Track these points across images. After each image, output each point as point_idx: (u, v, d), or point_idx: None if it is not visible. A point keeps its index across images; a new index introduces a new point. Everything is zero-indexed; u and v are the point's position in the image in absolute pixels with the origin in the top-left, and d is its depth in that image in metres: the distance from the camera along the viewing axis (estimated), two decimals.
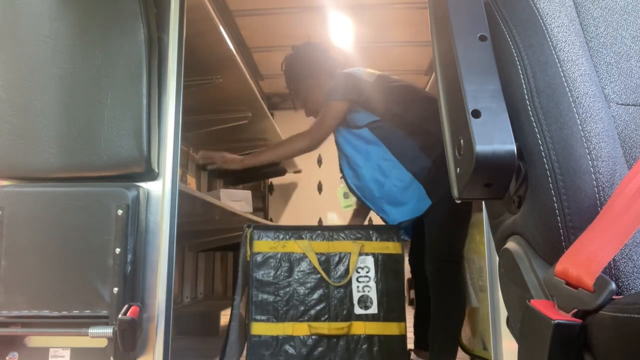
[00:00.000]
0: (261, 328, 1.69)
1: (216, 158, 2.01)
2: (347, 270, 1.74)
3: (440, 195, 1.73)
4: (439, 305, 1.74)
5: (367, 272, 1.75)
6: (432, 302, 1.75)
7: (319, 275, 1.72)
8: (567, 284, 0.50)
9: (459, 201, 1.87)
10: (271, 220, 4.65)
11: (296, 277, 1.73)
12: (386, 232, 1.79)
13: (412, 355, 1.90)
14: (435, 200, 1.74)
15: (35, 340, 1.29)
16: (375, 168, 1.82)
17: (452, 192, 0.66)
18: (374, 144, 1.83)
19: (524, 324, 0.55)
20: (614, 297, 0.45)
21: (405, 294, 1.90)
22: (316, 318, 1.70)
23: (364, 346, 1.69)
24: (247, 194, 3.28)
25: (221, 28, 2.05)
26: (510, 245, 0.65)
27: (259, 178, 4.39)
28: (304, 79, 2.01)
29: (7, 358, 1.27)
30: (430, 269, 1.75)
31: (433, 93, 1.95)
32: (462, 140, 0.60)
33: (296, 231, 1.78)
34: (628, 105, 0.62)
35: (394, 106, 1.85)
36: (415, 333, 1.92)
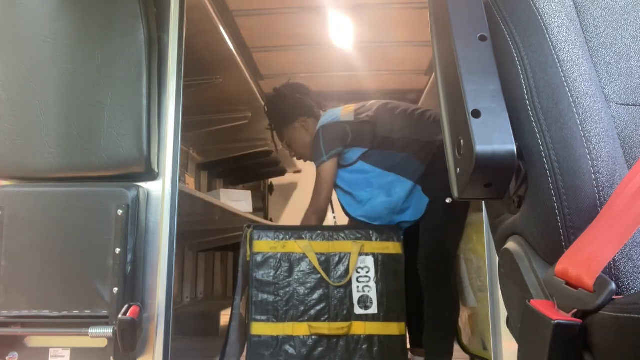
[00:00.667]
0: (261, 328, 1.69)
1: None
2: (347, 271, 1.74)
3: (434, 193, 1.76)
4: (432, 305, 1.75)
5: (367, 272, 1.75)
6: (425, 301, 1.76)
7: (319, 276, 1.72)
8: (567, 284, 0.50)
9: (449, 201, 1.89)
10: (271, 220, 4.65)
11: (296, 277, 1.73)
12: (386, 232, 1.79)
13: (409, 355, 1.90)
14: (432, 197, 1.77)
15: (35, 340, 1.29)
16: (380, 191, 1.84)
17: (452, 192, 0.66)
18: (371, 172, 1.86)
19: (524, 324, 0.55)
20: (614, 297, 0.45)
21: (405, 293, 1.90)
22: (316, 318, 1.70)
23: (364, 346, 1.69)
24: (247, 194, 3.28)
25: (221, 28, 2.05)
26: (510, 245, 0.65)
27: (259, 178, 4.39)
28: (289, 122, 2.02)
29: (7, 358, 1.27)
30: (423, 269, 1.76)
31: (405, 102, 1.99)
32: (462, 140, 0.60)
33: (296, 231, 1.78)
34: (628, 105, 0.62)
35: (379, 132, 1.87)
36: (410, 331, 1.93)
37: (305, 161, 2.10)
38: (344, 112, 1.95)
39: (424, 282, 1.75)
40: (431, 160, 1.80)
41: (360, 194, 1.88)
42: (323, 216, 1.93)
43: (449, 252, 1.80)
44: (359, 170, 1.88)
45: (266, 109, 2.11)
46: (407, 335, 1.80)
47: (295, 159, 2.14)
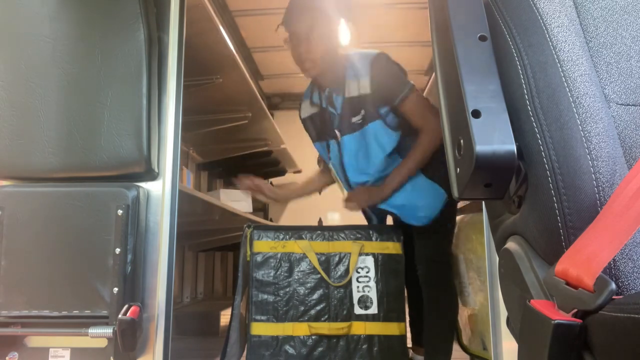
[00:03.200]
0: (261, 328, 1.69)
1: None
2: (347, 271, 1.74)
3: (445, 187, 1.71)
4: (431, 305, 1.75)
5: (367, 272, 1.75)
6: (424, 302, 1.75)
7: (319, 276, 1.72)
8: (567, 284, 0.50)
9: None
10: (271, 220, 4.65)
11: (296, 277, 1.73)
12: (386, 232, 1.79)
13: (410, 353, 1.90)
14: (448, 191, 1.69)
15: (35, 340, 1.29)
16: (384, 164, 1.73)
17: (452, 192, 0.66)
18: (394, 155, 1.73)
19: (524, 324, 0.55)
20: (614, 297, 0.45)
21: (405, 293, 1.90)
22: (316, 318, 1.70)
23: (364, 346, 1.69)
24: (247, 194, 3.28)
25: (221, 28, 2.05)
26: (510, 245, 0.65)
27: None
28: (329, 17, 1.74)
29: (7, 358, 1.27)
30: (422, 270, 1.75)
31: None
32: (462, 140, 0.60)
33: (296, 231, 1.78)
34: (628, 105, 0.62)
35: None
36: (412, 330, 1.92)
37: (306, 74, 1.79)
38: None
39: (423, 283, 1.75)
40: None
41: (377, 151, 1.71)
42: (437, 138, 1.65)
43: (448, 252, 1.80)
44: (391, 141, 1.71)
45: None
46: (409, 334, 1.81)
47: (299, 59, 1.75)
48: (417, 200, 1.71)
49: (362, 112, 1.72)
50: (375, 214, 1.86)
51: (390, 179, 1.72)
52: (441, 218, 1.71)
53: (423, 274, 1.75)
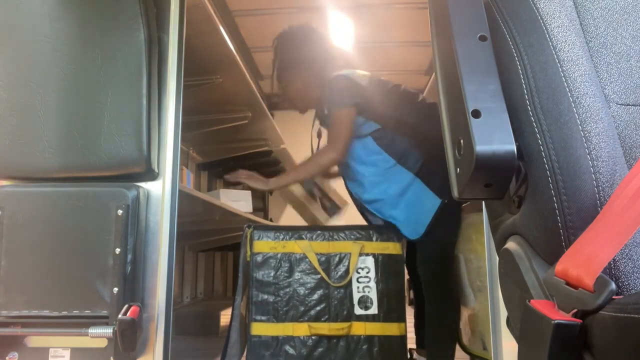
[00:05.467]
0: (261, 328, 1.69)
1: (242, 174, 1.95)
2: (347, 271, 1.74)
3: (443, 194, 1.72)
4: (433, 306, 1.75)
5: (368, 273, 1.74)
6: (426, 303, 1.75)
7: (319, 276, 1.72)
8: (567, 284, 0.50)
9: (446, 201, 1.81)
10: (271, 220, 4.65)
11: (296, 278, 1.73)
12: (386, 232, 1.79)
13: (415, 355, 1.90)
14: (443, 198, 1.71)
15: (35, 340, 1.29)
16: (380, 174, 1.78)
17: (452, 192, 0.66)
18: (377, 154, 1.78)
19: (524, 324, 0.55)
20: (614, 297, 0.45)
21: (405, 294, 1.90)
22: (316, 318, 1.70)
23: (364, 347, 1.69)
24: (247, 194, 3.28)
25: (221, 28, 2.05)
26: (510, 245, 0.65)
27: None
28: (295, 63, 1.91)
29: (7, 358, 1.27)
30: (423, 271, 1.75)
31: (427, 94, 1.93)
32: (462, 140, 0.60)
33: (296, 231, 1.77)
34: (628, 105, 0.62)
35: (393, 111, 1.80)
36: (417, 333, 1.92)
37: (301, 111, 2.00)
38: (360, 74, 1.88)
39: (425, 285, 1.75)
40: (427, 155, 1.74)
41: (360, 168, 1.80)
42: (336, 159, 1.81)
43: (447, 254, 1.79)
44: (366, 147, 1.79)
45: (275, 43, 1.99)
46: (413, 336, 1.80)
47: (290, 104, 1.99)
48: (411, 214, 1.75)
49: None
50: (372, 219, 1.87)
51: (276, 179, 1.88)
52: (438, 222, 1.72)
53: (423, 276, 1.75)
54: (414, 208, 1.74)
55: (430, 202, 1.73)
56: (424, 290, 1.76)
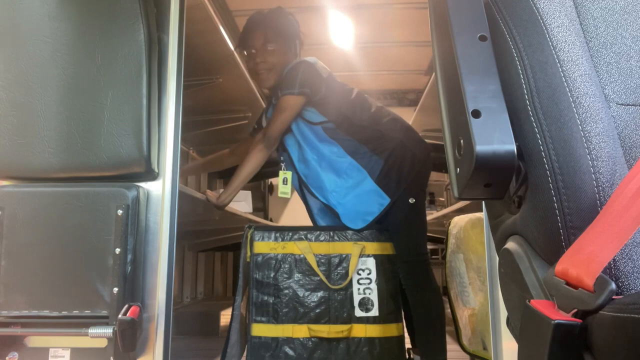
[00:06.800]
0: (261, 329, 1.68)
1: (207, 193, 1.96)
2: (347, 272, 1.73)
3: (396, 194, 1.76)
4: (416, 306, 1.76)
5: (369, 274, 1.74)
6: (410, 304, 1.76)
7: (319, 277, 1.72)
8: (567, 284, 0.50)
9: (412, 201, 1.87)
10: (271, 220, 4.65)
11: (296, 279, 1.72)
12: (385, 232, 1.79)
13: (411, 354, 1.90)
14: (394, 198, 1.75)
15: (35, 340, 1.29)
16: (328, 163, 1.81)
17: (452, 192, 0.66)
18: (328, 142, 1.83)
19: (524, 324, 0.55)
20: (614, 297, 0.45)
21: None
22: (316, 320, 1.69)
23: (365, 349, 1.68)
24: (247, 194, 3.28)
25: (221, 28, 2.05)
26: (510, 245, 0.65)
27: (259, 178, 4.39)
28: (285, 34, 1.93)
29: (7, 358, 1.27)
30: (401, 272, 1.76)
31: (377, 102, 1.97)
32: (462, 140, 0.60)
33: (296, 232, 1.77)
34: (628, 105, 0.62)
35: (344, 109, 1.85)
36: (409, 332, 1.93)
37: (263, 84, 1.99)
38: (321, 65, 1.92)
39: (406, 285, 1.76)
40: (391, 158, 1.78)
41: (309, 150, 1.83)
42: (268, 151, 1.87)
43: (421, 251, 1.81)
44: (316, 133, 1.84)
45: (266, 11, 1.97)
46: (407, 335, 1.80)
47: (255, 71, 1.95)
48: (358, 205, 1.78)
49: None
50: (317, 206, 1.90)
51: (224, 193, 1.88)
52: (404, 223, 1.76)
53: (403, 276, 1.76)
54: (360, 202, 1.78)
55: (378, 200, 1.77)
56: (406, 291, 1.77)
